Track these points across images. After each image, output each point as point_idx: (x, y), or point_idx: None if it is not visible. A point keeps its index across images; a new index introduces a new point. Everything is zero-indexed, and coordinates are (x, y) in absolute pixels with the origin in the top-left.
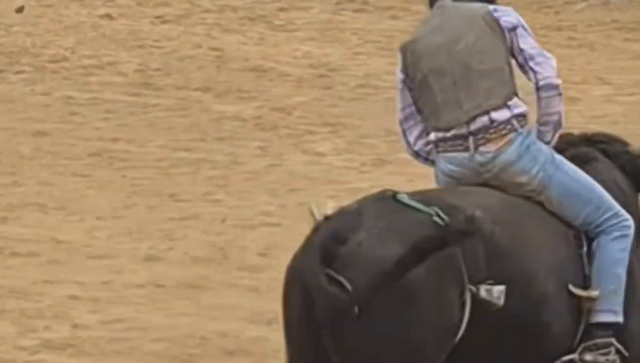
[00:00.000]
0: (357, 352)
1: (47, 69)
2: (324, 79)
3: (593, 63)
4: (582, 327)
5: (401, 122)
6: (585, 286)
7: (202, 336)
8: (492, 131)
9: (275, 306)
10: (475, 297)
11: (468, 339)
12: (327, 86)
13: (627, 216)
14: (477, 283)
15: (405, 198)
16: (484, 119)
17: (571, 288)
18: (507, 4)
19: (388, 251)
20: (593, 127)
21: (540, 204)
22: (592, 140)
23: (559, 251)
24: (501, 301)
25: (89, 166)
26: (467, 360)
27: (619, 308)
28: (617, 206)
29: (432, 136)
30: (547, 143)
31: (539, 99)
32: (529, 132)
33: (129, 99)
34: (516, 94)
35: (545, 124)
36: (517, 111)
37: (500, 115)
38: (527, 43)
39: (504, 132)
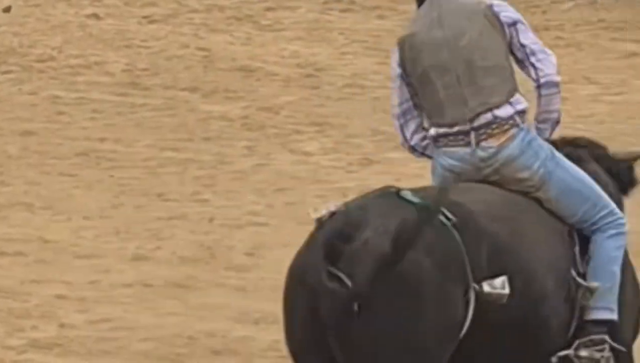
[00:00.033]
0: (362, 350)
1: (34, 69)
2: (311, 78)
3: (580, 63)
4: (574, 323)
5: (398, 117)
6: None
7: (189, 336)
8: (494, 126)
9: (262, 305)
10: (479, 295)
11: (469, 338)
12: (314, 85)
13: (622, 214)
14: (480, 281)
15: (408, 195)
16: (488, 116)
17: (575, 277)
18: None
19: (389, 250)
20: (580, 127)
21: (536, 200)
22: (573, 144)
23: (556, 249)
24: (506, 290)
25: (76, 165)
26: (468, 359)
27: (614, 306)
28: (613, 204)
29: (433, 131)
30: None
31: (539, 96)
32: (530, 128)
33: (116, 98)
34: (517, 90)
35: (544, 121)
36: (519, 107)
37: (504, 111)
38: (527, 38)
39: (506, 127)
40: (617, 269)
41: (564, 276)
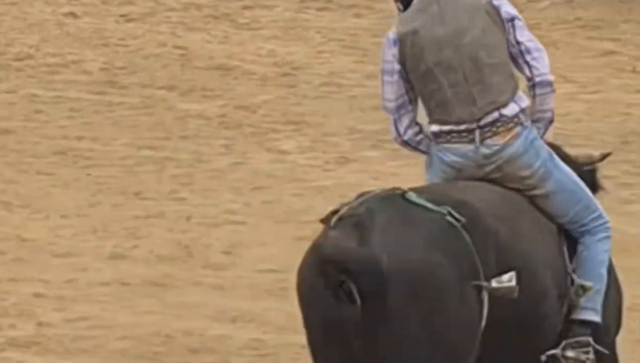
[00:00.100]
0: (390, 356)
1: (11, 67)
2: (288, 77)
3: (556, 61)
4: (563, 321)
5: (393, 112)
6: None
7: (167, 334)
8: (499, 125)
9: (239, 304)
10: (492, 293)
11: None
12: (291, 84)
13: (607, 218)
14: (489, 280)
15: (414, 197)
16: (495, 115)
17: (573, 275)
18: None
19: (412, 255)
20: (556, 126)
21: (528, 199)
22: None
23: (551, 247)
24: (513, 282)
25: (54, 164)
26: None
27: (600, 308)
28: (601, 208)
29: (435, 127)
30: None
31: (533, 95)
32: (532, 127)
33: (93, 97)
34: (519, 87)
35: (538, 120)
36: (522, 105)
37: (509, 110)
38: (523, 35)
39: (510, 126)
40: (604, 272)
41: (559, 274)
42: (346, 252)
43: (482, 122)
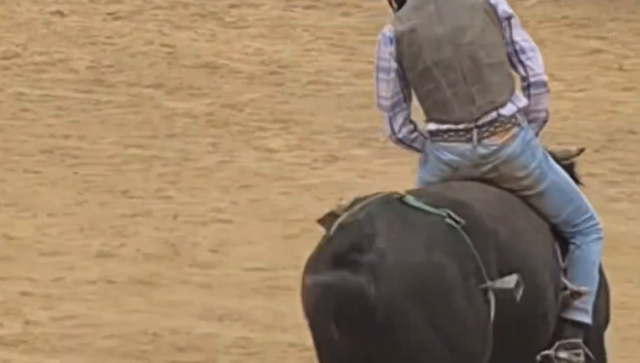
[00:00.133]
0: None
1: None
2: (275, 75)
3: (544, 59)
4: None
5: (388, 109)
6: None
7: (153, 332)
8: (497, 125)
9: (226, 302)
10: (497, 294)
11: None
12: (278, 82)
13: (599, 219)
14: (491, 280)
15: (412, 200)
16: (493, 115)
17: (566, 283)
18: None
19: (414, 258)
20: None
21: (521, 198)
22: None
23: (546, 246)
24: (512, 285)
25: (41, 162)
26: None
27: (591, 309)
28: (592, 209)
29: (432, 126)
30: None
31: (528, 95)
32: (529, 127)
33: (80, 96)
34: (516, 87)
35: (532, 121)
36: (520, 104)
37: (507, 110)
38: (519, 35)
39: (508, 126)
40: (596, 273)
41: (555, 273)
42: (353, 294)
43: (480, 122)
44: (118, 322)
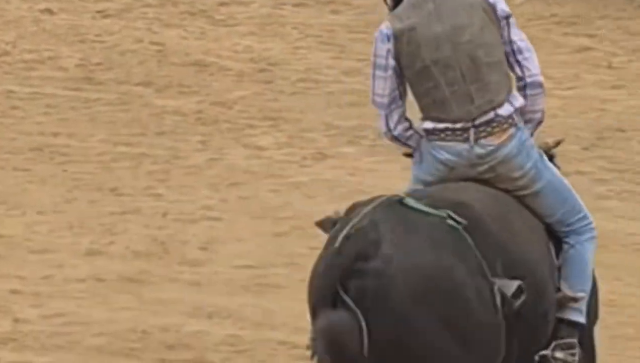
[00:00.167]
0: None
1: None
2: (265, 73)
3: None
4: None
5: (384, 107)
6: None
7: (143, 330)
8: (494, 125)
9: (216, 300)
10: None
11: None
12: (267, 80)
13: (592, 219)
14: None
15: (412, 202)
16: (490, 114)
17: (563, 289)
18: None
19: (422, 261)
20: None
21: (516, 198)
22: None
23: (541, 247)
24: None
25: (30, 160)
26: None
27: (585, 309)
28: (586, 209)
29: (429, 124)
30: None
31: (524, 96)
32: (524, 127)
33: (70, 93)
34: (513, 86)
35: (528, 121)
36: (517, 104)
37: (505, 110)
38: (516, 34)
39: (505, 126)
40: (590, 273)
41: (552, 272)
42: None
43: (477, 122)
44: (107, 320)
